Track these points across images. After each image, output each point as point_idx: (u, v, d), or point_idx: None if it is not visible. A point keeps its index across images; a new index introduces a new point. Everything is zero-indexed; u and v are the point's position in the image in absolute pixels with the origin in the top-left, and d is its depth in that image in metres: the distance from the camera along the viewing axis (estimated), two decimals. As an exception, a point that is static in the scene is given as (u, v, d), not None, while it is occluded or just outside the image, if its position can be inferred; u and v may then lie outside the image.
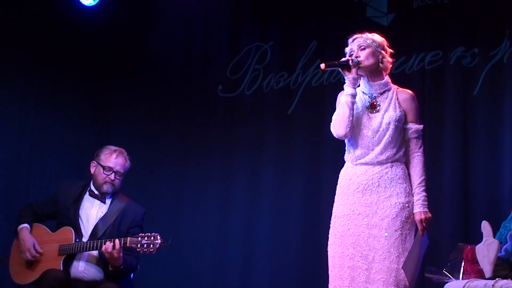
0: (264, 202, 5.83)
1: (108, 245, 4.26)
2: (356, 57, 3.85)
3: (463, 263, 4.03)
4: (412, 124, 3.86)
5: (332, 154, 5.42)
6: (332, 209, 3.93)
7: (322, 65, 3.84)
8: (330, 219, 3.91)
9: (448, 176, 5.20)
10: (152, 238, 4.24)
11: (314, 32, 5.84)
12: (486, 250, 3.90)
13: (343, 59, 3.85)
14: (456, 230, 5.09)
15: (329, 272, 3.83)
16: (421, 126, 3.88)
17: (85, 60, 6.25)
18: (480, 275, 3.89)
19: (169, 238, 4.28)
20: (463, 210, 5.13)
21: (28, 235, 4.49)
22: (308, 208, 5.66)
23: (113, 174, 4.55)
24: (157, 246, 4.24)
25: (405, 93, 3.91)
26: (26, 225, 4.54)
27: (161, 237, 4.25)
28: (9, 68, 5.84)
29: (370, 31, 3.95)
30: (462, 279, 3.96)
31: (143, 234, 4.29)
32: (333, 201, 3.93)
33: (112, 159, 4.58)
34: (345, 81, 3.86)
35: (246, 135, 5.97)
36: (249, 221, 5.86)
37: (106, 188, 4.55)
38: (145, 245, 4.24)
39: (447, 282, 3.93)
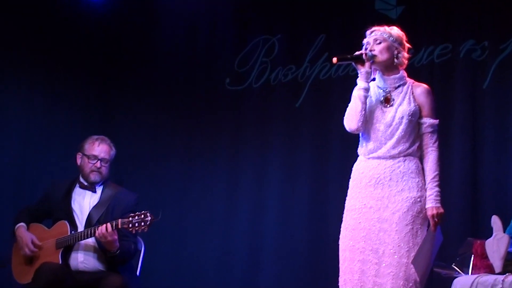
0: (271, 196, 5.81)
1: (101, 229, 4.27)
2: (371, 50, 3.80)
3: (472, 258, 4.01)
4: (427, 118, 3.82)
5: (340, 147, 5.42)
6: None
7: (334, 59, 3.80)
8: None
9: (457, 170, 5.17)
10: (142, 216, 4.24)
11: (322, 25, 5.81)
12: (496, 245, 3.89)
13: (357, 52, 3.80)
14: (465, 224, 5.06)
15: (340, 265, 3.82)
16: (436, 121, 3.83)
17: (91, 57, 6.22)
18: (490, 270, 3.88)
19: (159, 213, 4.25)
20: (472, 204, 5.11)
21: (25, 232, 4.52)
22: (316, 203, 5.64)
23: (98, 161, 4.58)
24: (148, 223, 4.23)
25: (421, 87, 3.87)
26: (22, 223, 4.56)
27: (151, 214, 4.24)
28: (15, 67, 5.82)
29: (379, 24, 3.90)
30: (471, 274, 3.95)
31: (133, 214, 4.28)
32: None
33: (96, 147, 4.60)
34: (358, 75, 3.82)
35: (254, 128, 5.94)
36: (255, 215, 5.83)
37: (93, 177, 4.57)
38: (136, 224, 4.24)
39: (456, 277, 3.92)
